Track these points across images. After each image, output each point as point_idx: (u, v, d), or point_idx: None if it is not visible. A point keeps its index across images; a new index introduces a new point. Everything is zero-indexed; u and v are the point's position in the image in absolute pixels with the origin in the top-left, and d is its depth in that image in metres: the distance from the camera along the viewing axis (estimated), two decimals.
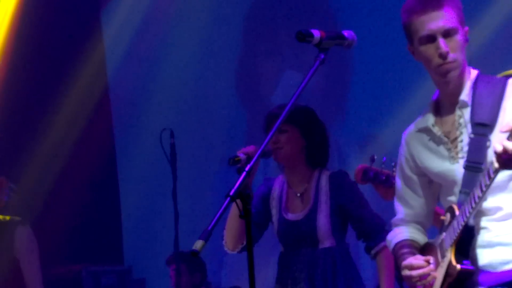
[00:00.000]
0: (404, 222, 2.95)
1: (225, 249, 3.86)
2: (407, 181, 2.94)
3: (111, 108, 7.15)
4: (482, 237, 2.65)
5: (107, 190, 7.07)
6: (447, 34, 2.65)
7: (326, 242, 3.69)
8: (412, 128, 2.89)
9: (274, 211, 3.84)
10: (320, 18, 6.72)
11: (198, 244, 2.39)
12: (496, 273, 2.63)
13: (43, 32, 6.83)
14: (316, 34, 2.65)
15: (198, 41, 7.15)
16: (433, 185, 2.91)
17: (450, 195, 2.79)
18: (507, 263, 2.61)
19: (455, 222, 2.65)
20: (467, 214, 2.58)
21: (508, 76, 2.79)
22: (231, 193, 2.46)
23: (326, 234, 3.68)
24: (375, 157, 3.67)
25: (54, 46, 6.92)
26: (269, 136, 2.62)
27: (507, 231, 2.65)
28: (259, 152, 2.84)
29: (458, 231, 2.62)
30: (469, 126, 2.72)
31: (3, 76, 6.64)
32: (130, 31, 7.08)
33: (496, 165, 2.44)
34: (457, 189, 2.77)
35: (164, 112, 6.60)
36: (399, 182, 2.98)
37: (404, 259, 2.82)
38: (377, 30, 6.21)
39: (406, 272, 2.74)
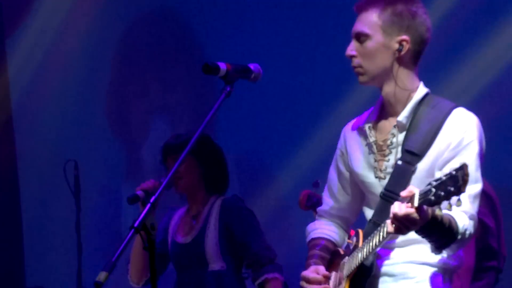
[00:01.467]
0: (329, 215, 2.94)
1: (131, 283, 3.85)
2: (339, 175, 2.91)
3: (14, 139, 6.90)
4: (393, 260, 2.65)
5: (8, 222, 6.82)
6: (357, 38, 2.68)
7: (215, 265, 3.70)
8: (352, 123, 2.89)
9: (169, 237, 3.86)
10: (187, 55, 6.64)
11: (102, 276, 2.31)
12: None
13: None
14: (223, 66, 2.64)
15: (81, 77, 6.89)
16: (355, 185, 2.90)
17: (368, 205, 2.80)
18: None
19: (355, 255, 2.64)
20: (365, 255, 2.57)
21: (454, 105, 2.67)
22: (135, 225, 2.40)
23: (214, 256, 3.69)
24: (319, 182, 3.62)
25: None
26: (173, 170, 2.54)
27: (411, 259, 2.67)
28: (164, 183, 2.70)
29: (355, 267, 2.61)
30: (398, 149, 2.67)
31: None
32: (35, 62, 6.90)
33: (387, 229, 2.43)
34: (372, 203, 2.80)
35: (68, 143, 6.47)
36: (332, 174, 2.93)
37: (309, 263, 2.80)
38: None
39: (302, 284, 2.71)
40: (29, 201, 6.92)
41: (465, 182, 2.15)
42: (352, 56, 2.62)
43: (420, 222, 2.29)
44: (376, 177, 2.68)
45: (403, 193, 2.31)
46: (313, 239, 2.88)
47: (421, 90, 2.62)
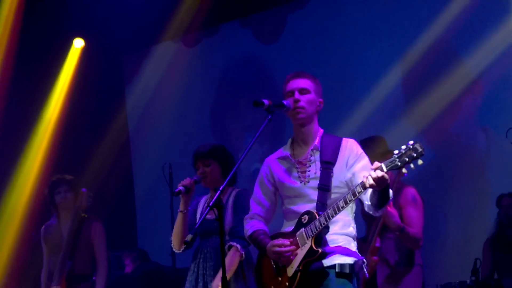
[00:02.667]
0: (256, 216, 3.51)
1: (173, 249, 4.28)
2: (264, 189, 3.50)
3: (131, 151, 8.22)
4: (330, 233, 3.20)
5: (126, 205, 7.94)
6: (300, 91, 3.28)
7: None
8: (273, 156, 3.50)
9: (198, 216, 4.27)
10: (266, 88, 7.27)
11: (189, 237, 3.02)
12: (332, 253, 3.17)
13: (85, 100, 7.57)
14: (266, 102, 3.17)
15: (187, 106, 7.67)
16: (276, 196, 3.50)
17: (295, 204, 3.35)
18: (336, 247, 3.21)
19: (316, 222, 3.14)
20: (330, 218, 3.10)
21: (341, 137, 3.37)
22: (210, 204, 3.05)
23: (228, 228, 4.08)
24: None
25: (90, 110, 7.67)
26: (256, 136, 3.18)
27: (339, 231, 3.25)
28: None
29: (320, 227, 3.12)
30: (318, 163, 3.28)
31: (61, 131, 7.37)
32: (143, 102, 7.99)
33: (367, 184, 2.95)
34: (301, 201, 3.34)
35: (166, 151, 6.99)
36: (258, 190, 3.53)
37: (265, 242, 3.33)
38: None
39: (275, 249, 3.21)
40: (140, 190, 8.07)
41: (423, 149, 2.82)
42: (299, 99, 3.27)
43: (387, 181, 2.92)
44: (301, 182, 3.32)
45: (373, 166, 2.92)
46: (254, 231, 3.44)
47: (321, 130, 3.39)
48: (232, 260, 3.99)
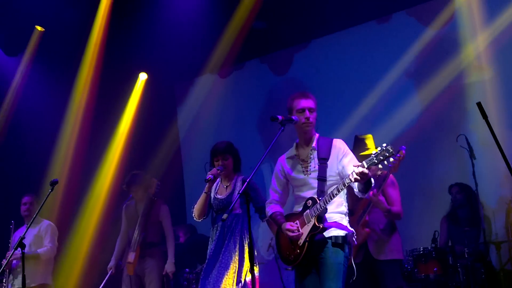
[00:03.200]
0: (274, 201, 3.50)
1: (194, 218, 4.24)
2: (278, 181, 3.49)
3: (181, 155, 8.23)
4: (327, 212, 3.24)
5: (178, 194, 7.86)
6: (310, 109, 3.30)
7: (237, 210, 4.08)
8: (284, 156, 3.49)
9: (212, 195, 4.23)
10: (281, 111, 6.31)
11: (224, 216, 3.19)
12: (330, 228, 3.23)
13: (147, 119, 7.64)
14: (280, 117, 3.27)
15: (218, 122, 7.64)
16: (288, 185, 3.48)
17: (302, 191, 3.34)
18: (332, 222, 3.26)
19: (317, 205, 3.16)
20: (328, 202, 3.14)
21: (332, 138, 3.38)
22: (240, 191, 3.30)
23: (236, 206, 4.06)
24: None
25: (151, 126, 7.72)
26: (271, 144, 3.18)
27: (334, 211, 3.29)
28: (255, 170, 3.26)
29: (321, 209, 3.15)
30: (316, 159, 3.29)
31: (130, 142, 7.51)
32: (190, 119, 8.06)
33: (352, 179, 2.98)
34: (306, 188, 3.31)
35: (206, 154, 6.04)
36: (274, 181, 3.51)
37: (281, 222, 3.33)
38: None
39: (288, 233, 3.24)
40: (189, 182, 8.10)
41: (393, 149, 2.89)
42: (309, 117, 3.32)
43: (367, 175, 2.99)
44: (305, 175, 3.32)
45: (356, 165, 3.00)
46: (273, 213, 3.44)
47: (317, 134, 3.41)
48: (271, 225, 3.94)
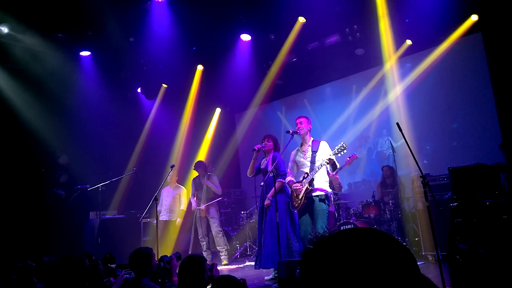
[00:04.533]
0: (290, 175, 3.60)
1: (247, 174, 3.99)
2: (292, 163, 3.56)
3: (239, 155, 8.18)
4: (315, 181, 3.34)
5: (236, 173, 7.96)
6: (300, 122, 3.45)
7: (272, 174, 3.65)
8: (295, 150, 3.60)
9: (263, 165, 4.02)
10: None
11: (262, 183, 3.34)
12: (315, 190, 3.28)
13: (218, 139, 7.71)
14: (291, 131, 3.50)
15: (257, 140, 5.76)
16: (296, 165, 3.54)
17: (301, 168, 3.46)
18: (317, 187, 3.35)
19: (309, 176, 3.24)
20: (314, 174, 3.27)
21: (320, 140, 3.35)
22: (270, 169, 3.33)
23: (272, 169, 3.64)
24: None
25: (220, 143, 7.72)
26: (285, 146, 3.30)
27: (317, 180, 3.37)
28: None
29: (310, 178, 3.26)
30: (310, 151, 3.43)
31: (208, 155, 7.42)
32: (243, 138, 7.94)
33: (325, 162, 3.12)
34: (304, 167, 3.38)
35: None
36: (289, 165, 3.56)
37: (293, 185, 3.40)
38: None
39: (295, 188, 3.29)
40: (244, 169, 7.67)
41: (345, 146, 3.08)
42: (299, 127, 3.39)
43: (333, 161, 3.17)
44: (303, 159, 3.41)
45: (327, 157, 3.04)
46: (289, 181, 3.51)
47: (311, 138, 3.52)
48: (279, 185, 3.84)
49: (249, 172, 4.03)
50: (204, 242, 5.44)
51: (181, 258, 2.33)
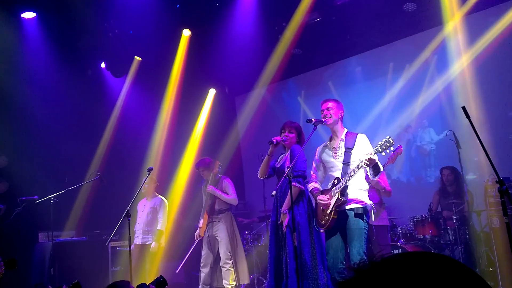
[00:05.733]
0: (315, 180, 3.37)
1: (258, 176, 3.83)
2: (316, 164, 3.37)
3: (241, 151, 8.18)
4: (349, 190, 3.13)
5: (238, 176, 7.54)
6: (327, 108, 3.26)
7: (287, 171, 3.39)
8: (321, 146, 3.39)
9: (279, 163, 3.85)
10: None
11: (273, 192, 3.10)
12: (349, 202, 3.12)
13: (215, 124, 7.43)
14: (313, 120, 3.25)
15: (264, 125, 7.29)
16: (322, 167, 3.35)
17: (330, 171, 3.24)
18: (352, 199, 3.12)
19: (341, 183, 3.05)
20: (347, 181, 3.05)
21: (357, 133, 3.22)
22: (285, 172, 3.03)
23: (290, 168, 3.37)
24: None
25: (217, 130, 7.48)
26: (307, 140, 3.11)
27: (353, 188, 3.16)
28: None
29: (342, 186, 3.06)
30: (343, 148, 3.21)
31: (202, 143, 7.27)
32: (247, 124, 7.86)
33: (363, 164, 2.88)
34: (335, 169, 3.17)
35: (259, 149, 5.42)
36: (313, 164, 3.38)
37: (317, 195, 3.20)
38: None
39: (320, 202, 3.13)
40: (247, 168, 8.04)
41: (393, 141, 2.81)
42: (326, 114, 3.23)
43: (374, 161, 2.92)
44: (334, 159, 3.22)
45: (366, 156, 2.86)
46: (312, 189, 3.33)
47: (345, 129, 3.32)
48: (295, 191, 3.62)
49: (260, 173, 3.80)
50: (203, 274, 5.07)
51: (166, 284, 2.29)
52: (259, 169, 3.81)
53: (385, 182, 4.58)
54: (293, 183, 3.49)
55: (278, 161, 3.87)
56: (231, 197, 5.10)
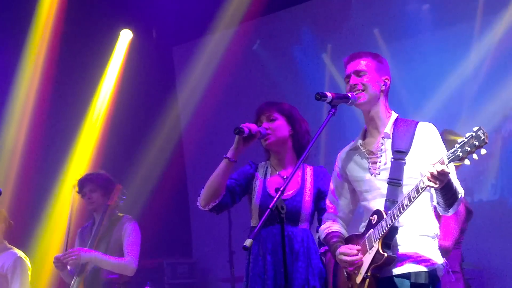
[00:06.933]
0: (331, 216, 3.21)
1: (197, 204, 3.62)
2: (337, 185, 3.19)
3: (183, 149, 7.80)
4: (403, 234, 2.87)
5: (180, 205, 7.57)
6: (357, 74, 3.04)
7: (304, 223, 3.51)
8: (346, 148, 3.17)
9: (257, 189, 3.62)
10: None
11: (248, 242, 2.65)
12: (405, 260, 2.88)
13: (134, 94, 7.22)
14: (329, 95, 2.94)
15: (236, 99, 7.34)
16: (351, 191, 3.16)
17: (367, 200, 3.04)
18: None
19: (383, 222, 2.84)
20: (396, 217, 2.79)
21: (418, 121, 3.06)
22: (270, 206, 2.73)
23: (307, 216, 3.51)
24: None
25: (139, 104, 7.28)
26: (317, 134, 2.94)
27: (409, 232, 2.92)
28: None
29: (387, 229, 2.82)
30: (389, 152, 2.96)
31: (109, 127, 7.02)
32: (196, 97, 7.52)
33: (426, 183, 2.66)
34: (373, 195, 3.03)
35: (222, 148, 7.05)
36: (332, 187, 3.23)
37: (336, 246, 3.05)
38: None
39: (342, 257, 2.95)
40: (195, 192, 7.72)
41: (486, 136, 2.53)
42: (357, 84, 3.01)
43: (447, 176, 2.63)
44: (372, 174, 3.01)
45: (434, 168, 2.62)
46: (328, 234, 3.16)
47: (394, 114, 3.07)
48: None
49: (206, 194, 3.49)
50: None
51: None
52: (204, 188, 3.52)
53: (447, 230, 4.35)
54: (302, 226, 3.54)
55: (267, 183, 3.65)
56: (125, 260, 4.80)
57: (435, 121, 3.42)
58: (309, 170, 3.58)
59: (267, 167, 3.61)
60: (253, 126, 3.40)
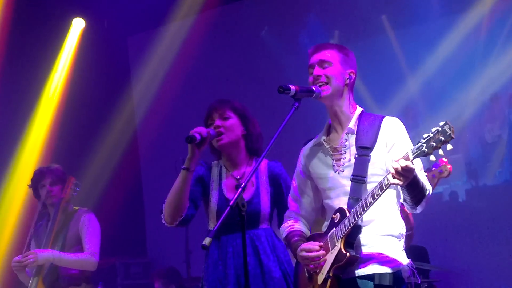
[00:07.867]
0: (293, 214, 3.21)
1: (163, 221, 3.58)
2: (299, 182, 3.18)
3: (138, 145, 7.86)
4: (367, 234, 2.89)
5: (134, 202, 7.63)
6: (320, 64, 3.04)
7: (264, 223, 3.49)
8: (309, 144, 3.19)
9: (213, 192, 3.60)
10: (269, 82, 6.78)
11: (207, 241, 2.62)
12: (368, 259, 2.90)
13: (87, 85, 7.24)
14: (292, 88, 2.91)
15: (193, 92, 7.40)
16: (315, 189, 3.16)
17: (330, 198, 3.05)
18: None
19: (346, 221, 2.84)
20: (359, 215, 2.80)
21: (383, 116, 3.08)
22: (230, 204, 2.68)
23: (266, 215, 3.49)
24: None
25: (92, 96, 7.28)
26: (278, 131, 2.91)
27: (373, 231, 2.93)
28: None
29: (349, 227, 2.81)
30: (353, 148, 2.98)
31: (60, 119, 6.99)
32: (152, 88, 7.57)
33: (390, 180, 2.66)
34: (336, 193, 3.03)
35: (178, 144, 6.94)
36: (294, 184, 3.21)
37: (297, 245, 3.03)
38: None
39: (303, 254, 2.93)
40: (149, 189, 7.70)
41: (453, 131, 2.53)
42: (320, 75, 2.99)
43: (412, 172, 2.64)
44: (336, 171, 3.02)
45: (398, 164, 2.64)
46: (289, 233, 3.16)
47: (359, 108, 3.07)
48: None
49: (169, 212, 3.43)
50: None
51: None
52: (165, 204, 3.44)
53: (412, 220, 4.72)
54: (263, 226, 3.49)
55: (223, 185, 3.61)
56: (85, 255, 4.77)
57: (398, 115, 3.46)
58: (264, 166, 3.57)
59: (220, 167, 3.58)
60: (202, 130, 3.33)
